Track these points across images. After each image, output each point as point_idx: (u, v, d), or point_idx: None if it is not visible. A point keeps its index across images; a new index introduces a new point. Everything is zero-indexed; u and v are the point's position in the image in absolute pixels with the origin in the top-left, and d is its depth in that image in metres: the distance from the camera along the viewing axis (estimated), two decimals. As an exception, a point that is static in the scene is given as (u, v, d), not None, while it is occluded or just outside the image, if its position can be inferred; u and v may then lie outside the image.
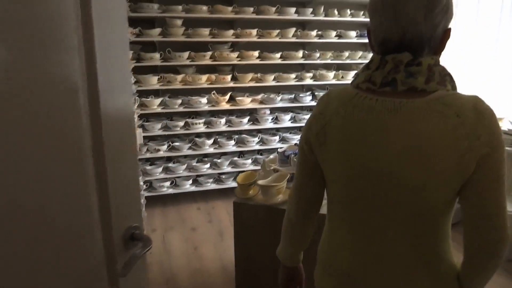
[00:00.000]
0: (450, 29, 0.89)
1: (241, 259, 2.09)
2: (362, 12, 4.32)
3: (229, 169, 4.08)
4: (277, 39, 4.05)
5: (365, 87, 0.90)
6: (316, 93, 4.36)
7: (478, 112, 0.81)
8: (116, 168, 0.86)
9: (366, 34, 4.03)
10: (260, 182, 1.95)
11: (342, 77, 4.40)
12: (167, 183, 3.89)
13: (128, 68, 0.93)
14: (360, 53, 4.42)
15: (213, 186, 4.07)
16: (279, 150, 2.53)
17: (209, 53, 3.88)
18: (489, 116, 0.82)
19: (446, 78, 0.87)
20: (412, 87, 0.85)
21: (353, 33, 4.33)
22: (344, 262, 0.99)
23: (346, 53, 4.36)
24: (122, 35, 0.90)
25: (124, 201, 0.91)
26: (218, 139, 4.05)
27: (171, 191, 3.91)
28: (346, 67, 4.60)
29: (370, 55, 4.41)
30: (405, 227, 0.90)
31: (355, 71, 4.45)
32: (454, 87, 0.88)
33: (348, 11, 4.25)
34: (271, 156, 2.57)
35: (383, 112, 0.86)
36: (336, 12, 4.21)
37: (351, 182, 0.93)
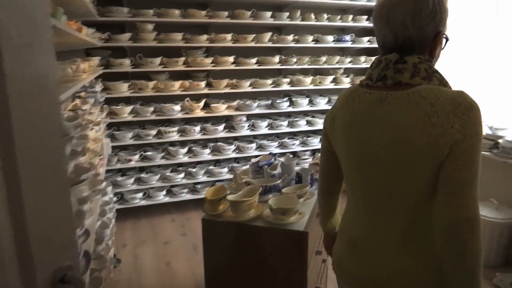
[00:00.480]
0: (441, 31, 1.02)
1: (211, 279, 1.95)
2: (339, 17, 4.25)
3: (204, 179, 3.94)
4: (252, 44, 3.95)
5: (365, 83, 1.08)
6: (293, 99, 4.26)
7: (455, 103, 0.92)
8: (37, 195, 0.72)
9: (343, 39, 3.92)
10: (230, 197, 1.82)
11: (320, 82, 4.32)
12: (139, 195, 3.72)
13: (52, 60, 0.77)
14: (337, 58, 4.35)
15: (188, 196, 3.91)
16: (252, 160, 2.41)
17: (182, 58, 3.74)
18: (466, 108, 0.92)
19: (434, 75, 0.99)
20: (398, 81, 1.00)
21: (330, 38, 4.25)
22: (352, 233, 1.16)
23: (324, 58, 4.28)
24: (39, 17, 0.75)
25: (51, 237, 0.77)
26: (193, 148, 3.90)
27: (143, 203, 3.74)
28: (324, 72, 4.52)
29: (348, 59, 4.37)
30: (397, 206, 1.03)
31: (333, 76, 4.38)
32: (443, 82, 0.99)
33: (325, 16, 4.17)
34: (244, 168, 2.44)
35: (373, 103, 1.03)
36: (312, 16, 4.13)
37: (352, 163, 1.11)
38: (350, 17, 4.30)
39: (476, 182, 0.92)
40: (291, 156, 4.33)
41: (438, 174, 0.95)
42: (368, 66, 4.47)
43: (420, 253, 1.02)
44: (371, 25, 4.43)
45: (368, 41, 4.47)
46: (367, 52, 4.73)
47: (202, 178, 3.92)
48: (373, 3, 4.36)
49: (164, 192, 3.83)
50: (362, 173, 1.08)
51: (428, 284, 1.02)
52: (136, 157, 3.67)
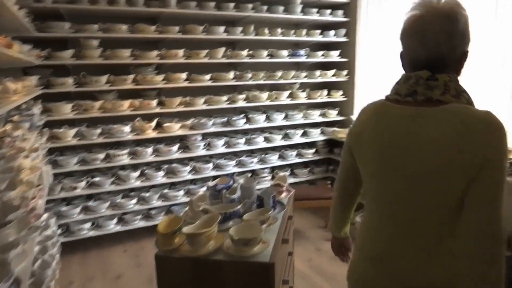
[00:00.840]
0: (467, 51, 1.06)
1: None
2: (293, 31, 4.21)
3: (159, 203, 3.69)
4: (206, 60, 3.80)
5: (393, 98, 1.10)
6: (250, 116, 4.13)
7: (486, 123, 0.95)
8: None
9: (297, 53, 3.82)
10: (186, 229, 1.63)
11: (276, 97, 4.23)
12: (87, 225, 3.41)
13: None
14: (292, 73, 4.29)
15: (142, 223, 3.64)
16: (209, 184, 2.23)
17: (131, 76, 3.52)
18: (495, 128, 0.95)
19: (462, 94, 1.02)
20: (429, 98, 1.02)
21: (285, 52, 4.19)
22: (377, 249, 1.16)
23: (279, 73, 4.21)
24: None
25: None
26: (145, 171, 3.66)
27: (92, 233, 3.43)
28: (280, 87, 4.45)
29: (303, 74, 4.32)
30: (427, 220, 1.04)
31: (289, 91, 4.32)
32: (470, 102, 1.02)
33: (279, 30, 4.12)
34: (200, 193, 2.26)
35: (404, 118, 1.05)
36: (266, 31, 4.06)
37: (379, 177, 1.12)
38: (304, 31, 4.27)
39: (502, 200, 0.96)
40: (250, 175, 4.20)
41: (466, 190, 0.97)
42: (324, 80, 4.42)
43: (449, 265, 1.04)
44: (324, 39, 4.44)
45: (323, 55, 4.45)
46: (322, 66, 4.72)
47: (156, 203, 3.67)
48: (326, 18, 4.37)
49: (115, 221, 3.54)
50: (391, 187, 1.09)
51: None
52: (83, 184, 3.37)
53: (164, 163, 3.85)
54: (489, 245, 0.94)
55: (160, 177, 3.68)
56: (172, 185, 3.96)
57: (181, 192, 3.78)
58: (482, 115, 0.96)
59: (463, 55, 1.06)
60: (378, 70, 4.19)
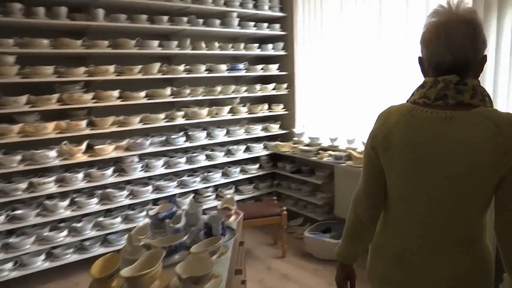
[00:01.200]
0: (486, 55, 1.11)
1: None
2: (230, 45, 4.10)
3: (93, 234, 3.34)
4: (140, 76, 3.56)
5: (421, 101, 1.12)
6: (190, 133, 3.94)
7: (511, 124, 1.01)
8: None
9: (236, 67, 3.68)
10: (124, 272, 1.41)
11: (216, 113, 4.08)
12: (9, 265, 2.98)
13: None
14: (232, 87, 4.17)
15: (75, 257, 3.27)
16: (149, 212, 2.01)
17: (56, 95, 3.18)
18: None
19: (485, 98, 1.08)
20: (460, 101, 1.06)
21: (223, 67, 4.07)
22: (395, 247, 1.20)
23: (218, 88, 4.07)
24: None
25: None
26: (76, 199, 3.31)
27: (14, 274, 3.00)
28: (220, 103, 4.30)
29: (243, 88, 4.21)
30: (453, 217, 1.09)
31: (230, 106, 4.19)
32: (492, 104, 1.08)
33: (217, 44, 3.99)
34: (141, 223, 2.04)
35: (436, 121, 1.08)
36: (203, 45, 3.91)
37: (409, 179, 1.13)
38: (242, 45, 4.18)
39: None
40: (193, 195, 3.99)
41: (498, 190, 1.05)
42: (264, 94, 4.34)
43: (476, 255, 1.12)
44: (263, 53, 4.38)
45: (262, 69, 4.39)
46: (262, 80, 4.65)
47: (90, 233, 3.32)
48: (263, 31, 4.32)
49: (42, 257, 3.14)
50: (421, 188, 1.11)
51: (486, 284, 1.14)
52: (1, 218, 2.96)
53: (98, 188, 3.51)
54: None
55: (93, 205, 3.35)
56: (108, 212, 3.63)
57: (118, 219, 3.46)
58: (507, 116, 1.03)
59: (483, 59, 1.12)
60: (318, 82, 4.20)
